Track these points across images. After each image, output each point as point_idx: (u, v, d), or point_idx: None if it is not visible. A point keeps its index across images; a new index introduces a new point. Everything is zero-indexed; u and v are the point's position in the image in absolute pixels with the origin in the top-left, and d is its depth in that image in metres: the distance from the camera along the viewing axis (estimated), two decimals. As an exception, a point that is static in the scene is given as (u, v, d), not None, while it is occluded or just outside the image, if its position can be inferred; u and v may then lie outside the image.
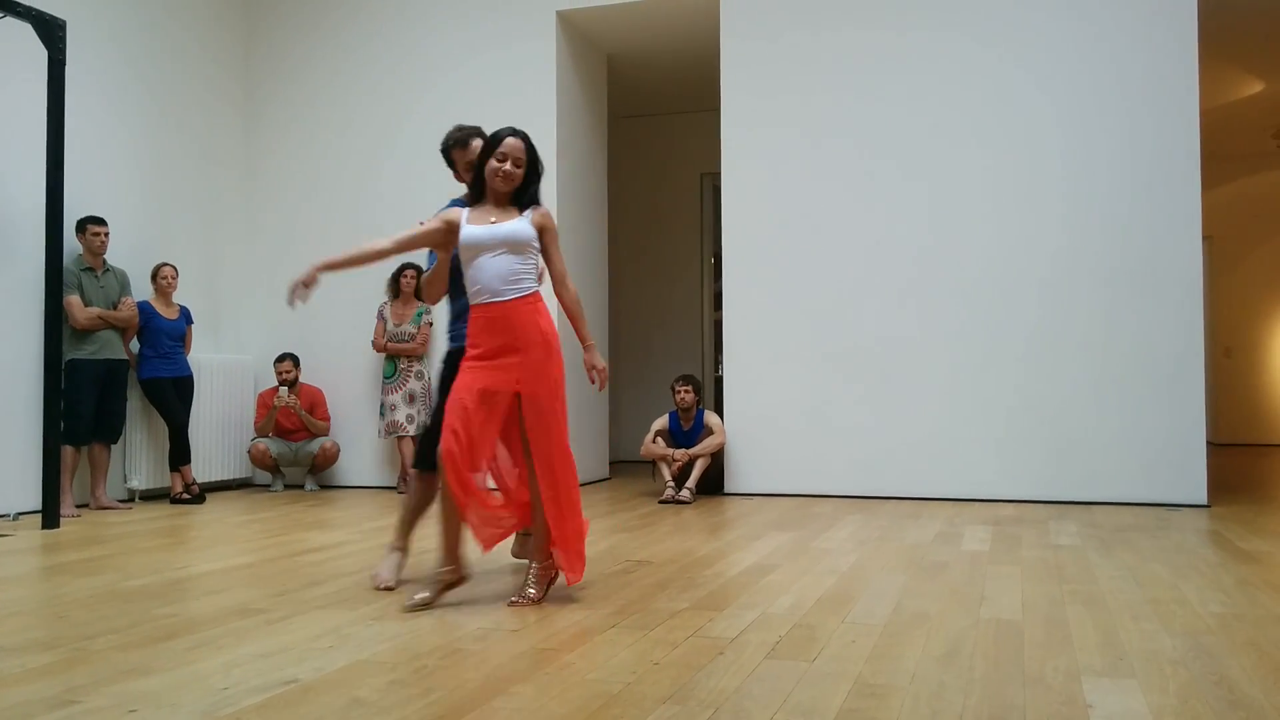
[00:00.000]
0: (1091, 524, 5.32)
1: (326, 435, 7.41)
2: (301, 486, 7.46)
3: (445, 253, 3.50)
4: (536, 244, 3.40)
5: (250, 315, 7.80)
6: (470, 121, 3.94)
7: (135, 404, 6.62)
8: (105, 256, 6.30)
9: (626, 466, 8.88)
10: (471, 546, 3.48)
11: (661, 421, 6.95)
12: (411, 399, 7.12)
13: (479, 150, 3.50)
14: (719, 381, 8.34)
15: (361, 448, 7.56)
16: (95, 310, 6.16)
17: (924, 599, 3.44)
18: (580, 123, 7.68)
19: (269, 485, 7.48)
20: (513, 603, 3.39)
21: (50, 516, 5.43)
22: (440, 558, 3.40)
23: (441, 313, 7.00)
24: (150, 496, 6.80)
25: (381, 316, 7.24)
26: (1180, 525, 5.28)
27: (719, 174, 7.11)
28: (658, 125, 9.95)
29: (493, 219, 3.37)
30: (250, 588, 3.73)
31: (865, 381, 6.65)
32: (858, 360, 6.67)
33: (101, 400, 6.17)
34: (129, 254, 6.65)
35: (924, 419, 6.54)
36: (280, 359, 7.30)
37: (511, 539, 4.00)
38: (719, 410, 7.49)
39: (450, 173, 3.82)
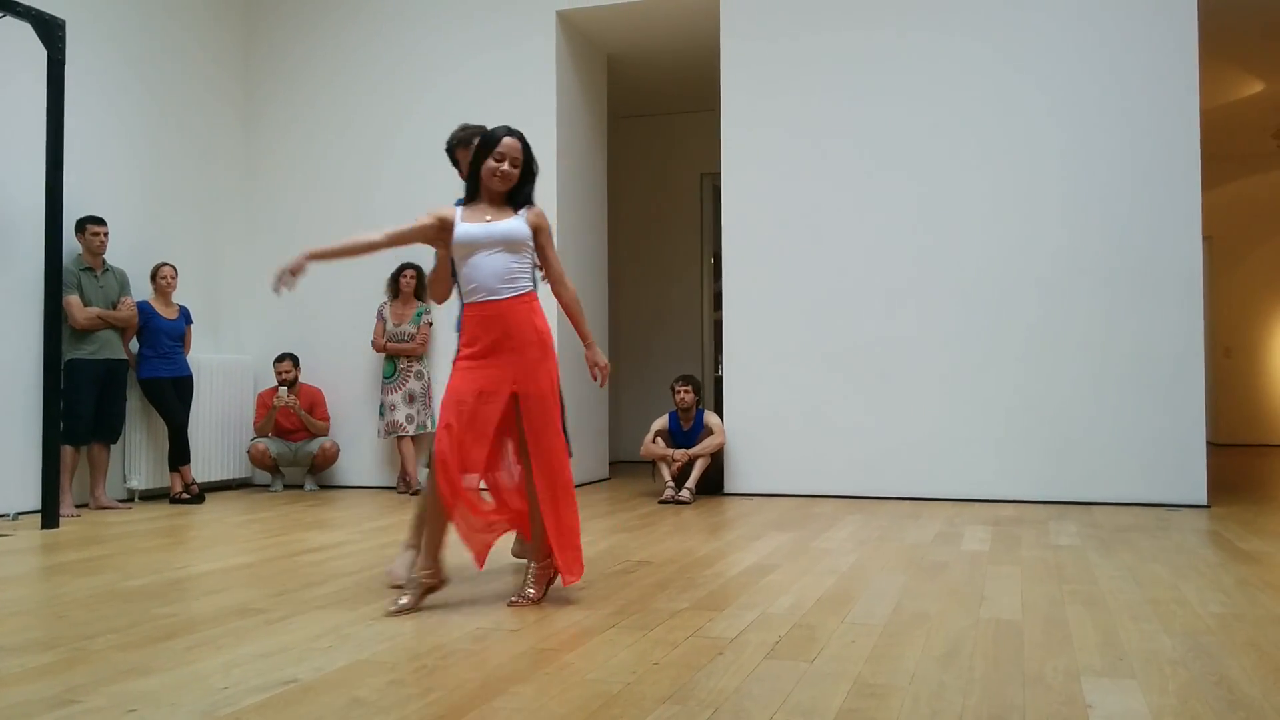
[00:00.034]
0: (1091, 524, 5.32)
1: (326, 435, 7.41)
2: (301, 486, 7.46)
3: (445, 249, 3.50)
4: (531, 243, 3.40)
5: (250, 315, 7.79)
6: (471, 121, 3.94)
7: (135, 404, 6.62)
8: (105, 256, 6.30)
9: (626, 466, 8.88)
10: (466, 558, 3.47)
11: (661, 421, 6.95)
12: (411, 399, 7.12)
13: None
14: (719, 381, 8.34)
15: (361, 448, 7.56)
16: (95, 310, 6.16)
17: (924, 599, 3.44)
18: (580, 123, 7.68)
19: (268, 485, 7.48)
20: (512, 603, 3.38)
21: (50, 516, 5.43)
22: (421, 560, 3.38)
23: (441, 313, 7.04)
24: (150, 496, 6.80)
25: (381, 316, 7.24)
26: (1180, 525, 5.28)
27: (719, 174, 7.11)
28: (658, 125, 9.95)
29: (488, 217, 3.36)
30: (250, 588, 3.73)
31: (865, 382, 6.65)
32: (858, 360, 6.67)
33: (101, 400, 6.17)
34: (128, 254, 6.65)
35: (924, 419, 6.54)
36: (280, 359, 7.30)
37: (512, 539, 3.99)
38: (719, 410, 7.48)
39: (454, 171, 3.82)
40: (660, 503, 6.41)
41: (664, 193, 9.88)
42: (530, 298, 3.39)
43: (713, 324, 9.47)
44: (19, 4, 5.35)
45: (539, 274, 3.56)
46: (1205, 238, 6.95)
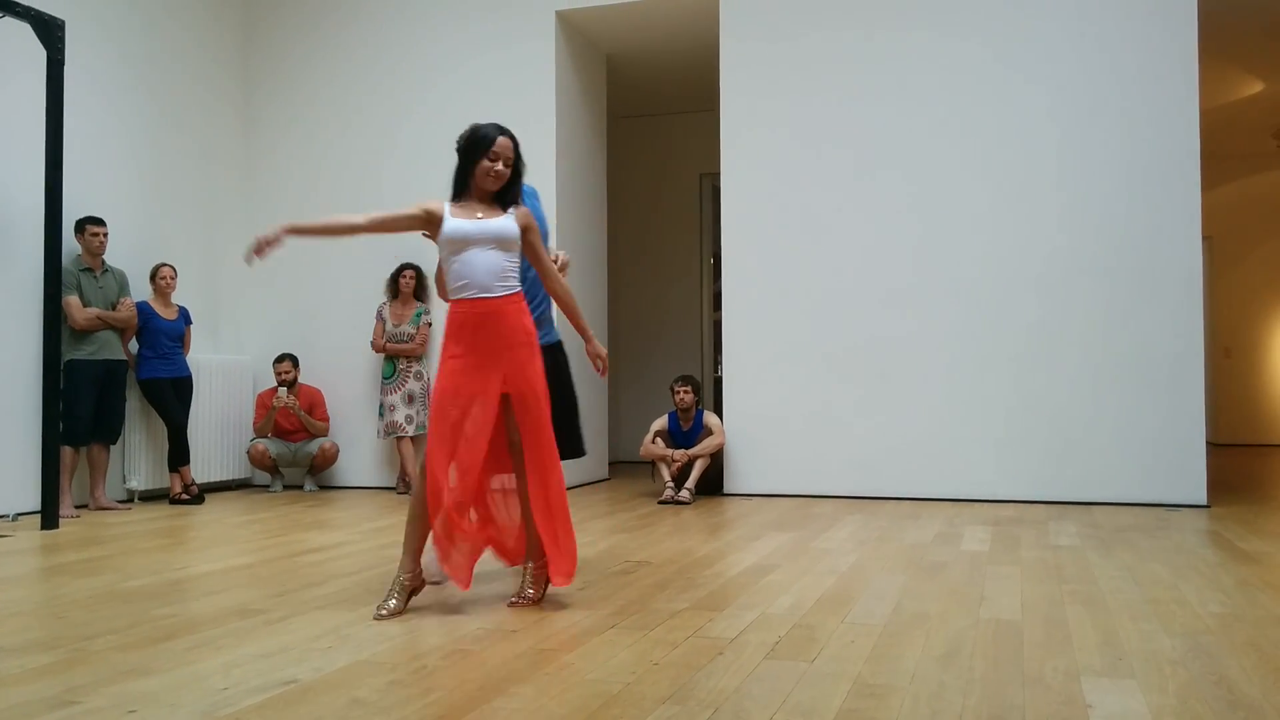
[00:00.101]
0: (1091, 524, 5.33)
1: (325, 436, 7.41)
2: (300, 487, 7.46)
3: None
4: (519, 243, 3.40)
5: (249, 316, 7.79)
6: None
7: (134, 404, 6.62)
8: (104, 257, 6.30)
9: (626, 467, 8.88)
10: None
11: (661, 422, 6.95)
12: (410, 399, 7.12)
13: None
14: (718, 382, 8.34)
15: (360, 448, 7.56)
16: (94, 311, 6.16)
17: (924, 599, 3.44)
18: (580, 123, 7.68)
19: (268, 486, 7.48)
20: (512, 603, 3.38)
21: (49, 517, 5.42)
22: (402, 561, 3.36)
23: (441, 313, 7.02)
24: (149, 497, 6.80)
25: (380, 317, 7.24)
26: (1180, 525, 5.28)
27: (719, 174, 7.11)
28: (657, 125, 9.95)
29: (479, 215, 3.35)
30: (250, 588, 3.72)
31: (865, 382, 6.65)
32: (857, 360, 6.67)
33: (100, 401, 6.17)
34: (128, 254, 6.65)
35: (924, 419, 6.54)
36: (279, 359, 7.30)
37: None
38: (718, 411, 7.49)
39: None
40: (660, 503, 6.41)
41: (664, 193, 9.88)
42: (520, 298, 3.39)
43: (712, 324, 9.47)
44: (18, 4, 5.35)
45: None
46: (1205, 238, 6.96)
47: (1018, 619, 3.14)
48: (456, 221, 3.32)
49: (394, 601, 3.27)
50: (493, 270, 3.31)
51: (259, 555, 4.49)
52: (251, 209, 7.83)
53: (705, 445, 6.70)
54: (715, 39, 7.18)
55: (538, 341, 3.42)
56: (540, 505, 3.37)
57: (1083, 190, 6.35)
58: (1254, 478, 8.02)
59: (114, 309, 6.28)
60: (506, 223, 3.36)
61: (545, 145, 7.09)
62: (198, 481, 6.83)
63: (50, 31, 5.47)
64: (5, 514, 5.80)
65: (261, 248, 3.20)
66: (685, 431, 6.84)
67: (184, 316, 6.82)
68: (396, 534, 4.92)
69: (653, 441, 6.82)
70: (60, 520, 5.51)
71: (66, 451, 5.88)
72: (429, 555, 3.63)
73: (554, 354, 3.97)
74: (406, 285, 7.21)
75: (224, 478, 7.39)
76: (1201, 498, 6.06)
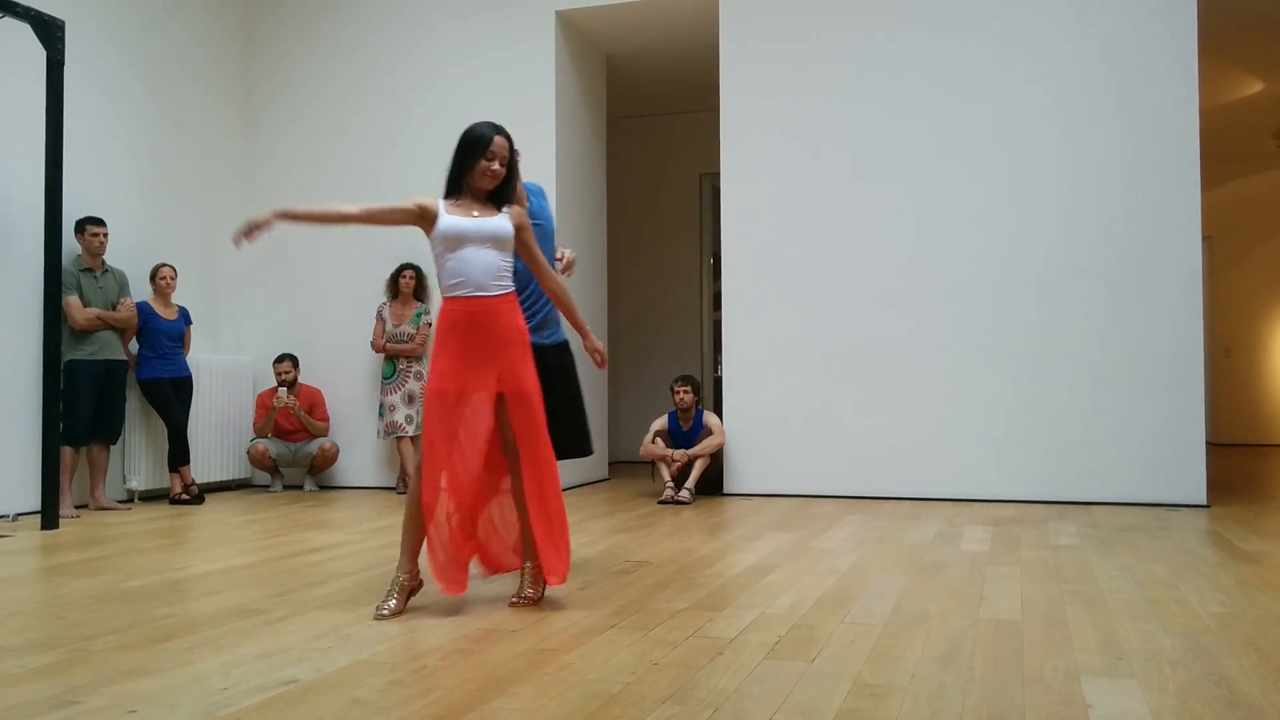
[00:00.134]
0: (1091, 524, 5.33)
1: (325, 436, 7.41)
2: (300, 487, 7.46)
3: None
4: (514, 242, 3.41)
5: (249, 316, 7.79)
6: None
7: (134, 405, 6.62)
8: (104, 257, 6.30)
9: (626, 467, 8.88)
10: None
11: (661, 422, 6.95)
12: (410, 399, 7.12)
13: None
14: (718, 382, 8.34)
15: (360, 448, 7.56)
16: (94, 311, 6.16)
17: (923, 599, 3.44)
18: (580, 123, 7.68)
19: (268, 486, 7.48)
20: (512, 603, 3.38)
21: (49, 517, 5.42)
22: (400, 562, 3.36)
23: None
24: (149, 497, 6.80)
25: (380, 317, 7.24)
26: (1179, 525, 5.28)
27: (718, 174, 7.11)
28: (657, 125, 9.95)
29: (475, 213, 3.36)
30: (250, 588, 3.72)
31: (864, 382, 6.65)
32: (857, 360, 6.67)
33: (100, 401, 6.17)
34: (128, 254, 6.65)
35: (923, 419, 6.54)
36: (279, 359, 7.30)
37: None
38: (718, 411, 7.49)
39: None
40: (660, 503, 6.41)
41: (663, 193, 9.88)
42: (513, 298, 3.40)
43: (712, 324, 9.47)
44: (18, 4, 5.35)
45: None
46: (1205, 237, 6.96)
47: (1018, 619, 3.14)
48: (453, 218, 3.33)
49: (393, 602, 3.27)
50: (489, 269, 3.32)
51: (259, 555, 4.50)
52: (251, 209, 7.76)
53: (705, 445, 6.70)
54: (715, 39, 7.18)
55: (530, 340, 3.43)
56: (536, 505, 3.37)
57: (1082, 190, 6.35)
58: (1254, 478, 8.02)
59: (114, 309, 6.28)
60: (502, 222, 3.37)
61: (545, 145, 7.09)
62: (198, 481, 6.83)
63: (50, 31, 5.47)
64: (5, 514, 5.80)
65: (251, 230, 3.18)
66: (685, 431, 6.84)
67: (184, 317, 6.82)
68: (396, 534, 4.92)
69: (653, 441, 6.82)
70: (60, 520, 5.51)
71: (66, 451, 5.88)
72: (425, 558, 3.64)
73: (560, 353, 3.98)
74: (406, 285, 7.21)
75: (224, 478, 7.39)
76: (1201, 498, 6.06)
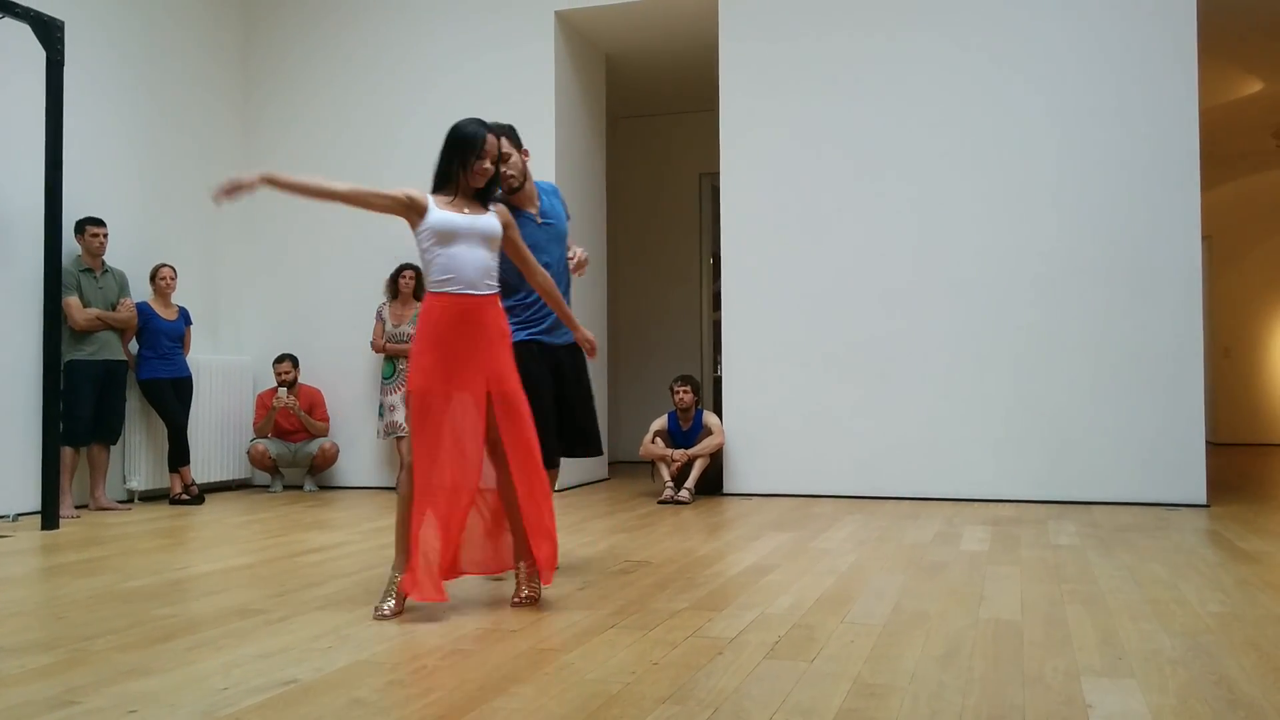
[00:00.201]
0: (1090, 524, 5.33)
1: (325, 436, 7.41)
2: (300, 487, 7.46)
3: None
4: (500, 241, 3.42)
5: (249, 316, 7.80)
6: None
7: (134, 405, 6.62)
8: (104, 257, 6.30)
9: (625, 467, 8.88)
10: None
11: (660, 422, 6.95)
12: (411, 399, 7.12)
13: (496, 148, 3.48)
14: (718, 382, 8.34)
15: (360, 448, 7.56)
16: (94, 311, 6.16)
17: (923, 599, 3.44)
18: (579, 123, 7.68)
19: (268, 486, 7.48)
20: (514, 603, 3.38)
21: (49, 517, 5.42)
22: (395, 562, 3.35)
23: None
24: (149, 497, 6.80)
25: (380, 317, 7.24)
26: (1179, 525, 5.28)
27: (718, 174, 7.11)
28: (657, 125, 9.95)
29: (466, 210, 3.37)
30: (250, 588, 3.73)
31: (864, 381, 6.65)
32: (857, 360, 6.67)
33: (100, 401, 6.17)
34: (128, 255, 6.65)
35: (923, 419, 6.54)
36: (279, 360, 7.30)
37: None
38: (718, 410, 7.49)
39: None
40: (659, 503, 6.41)
41: (663, 193, 9.88)
42: (498, 299, 3.42)
43: (712, 324, 9.47)
44: (18, 5, 5.35)
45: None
46: (1204, 237, 6.96)
47: (1017, 619, 3.14)
48: (444, 213, 3.33)
49: (391, 602, 3.26)
50: (480, 268, 3.33)
51: (259, 555, 4.50)
52: (251, 209, 7.82)
53: (705, 445, 6.70)
54: (714, 39, 7.18)
55: (511, 339, 3.45)
56: (528, 504, 3.36)
57: (1082, 190, 6.35)
58: (1254, 477, 8.02)
59: (114, 309, 6.28)
60: (492, 221, 3.39)
61: (545, 145, 7.09)
62: (198, 482, 6.83)
63: (49, 32, 5.47)
64: (5, 514, 5.80)
65: (233, 189, 3.14)
66: (685, 431, 6.84)
67: (184, 317, 6.82)
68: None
69: (652, 441, 6.82)
70: (60, 520, 5.51)
71: (66, 452, 5.88)
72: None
73: (574, 354, 4.02)
74: (406, 285, 7.21)
75: (224, 478, 7.39)
76: (1201, 497, 6.06)
